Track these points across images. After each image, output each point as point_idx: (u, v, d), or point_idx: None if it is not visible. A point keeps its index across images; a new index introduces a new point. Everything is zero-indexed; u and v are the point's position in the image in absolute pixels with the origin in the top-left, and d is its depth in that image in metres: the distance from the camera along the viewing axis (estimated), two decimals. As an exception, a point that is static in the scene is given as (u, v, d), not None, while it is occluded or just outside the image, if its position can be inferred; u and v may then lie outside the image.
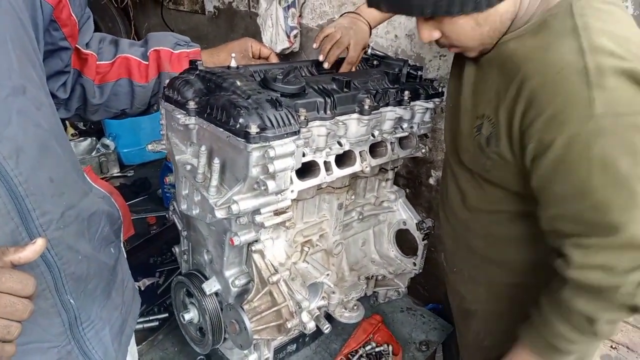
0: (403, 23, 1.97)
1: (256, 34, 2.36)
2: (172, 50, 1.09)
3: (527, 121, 0.78)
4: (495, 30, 0.83)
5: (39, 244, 0.59)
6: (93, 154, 2.53)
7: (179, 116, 0.93)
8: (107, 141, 2.57)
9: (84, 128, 2.90)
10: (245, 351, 1.14)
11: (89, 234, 0.83)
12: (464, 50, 0.89)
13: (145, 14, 3.39)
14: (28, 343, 0.70)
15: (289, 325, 0.96)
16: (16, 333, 0.56)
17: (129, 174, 2.60)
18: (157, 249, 1.82)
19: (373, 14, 1.24)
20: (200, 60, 1.00)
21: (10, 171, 0.64)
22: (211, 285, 1.07)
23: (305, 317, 0.97)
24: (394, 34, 2.00)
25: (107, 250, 0.91)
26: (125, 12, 3.33)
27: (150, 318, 1.47)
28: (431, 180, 2.24)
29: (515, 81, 0.79)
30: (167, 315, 1.48)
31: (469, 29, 0.81)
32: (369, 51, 1.27)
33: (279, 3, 2.13)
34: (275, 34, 2.15)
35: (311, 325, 0.98)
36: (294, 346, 1.34)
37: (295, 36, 2.19)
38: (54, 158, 0.74)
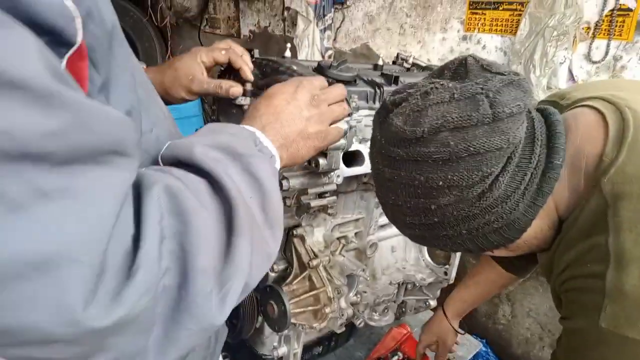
0: (436, 48, 2.04)
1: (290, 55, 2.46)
2: None
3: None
4: (532, 247, 0.74)
5: None
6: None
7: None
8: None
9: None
10: (275, 343, 1.13)
11: None
12: None
13: (182, 36, 3.55)
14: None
15: (327, 310, 0.95)
16: None
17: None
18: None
19: (456, 306, 1.27)
20: (255, 50, 1.05)
21: None
22: (248, 271, 1.07)
23: (343, 303, 0.97)
24: (427, 57, 2.07)
25: None
26: (162, 32, 3.49)
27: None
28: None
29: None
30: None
31: (498, 253, 0.77)
32: (410, 60, 1.32)
33: (317, 25, 2.23)
34: (311, 53, 2.23)
35: (349, 312, 0.97)
36: (320, 349, 1.31)
37: (329, 57, 2.28)
38: None
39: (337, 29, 2.37)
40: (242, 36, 3.08)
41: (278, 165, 0.60)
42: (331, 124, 0.73)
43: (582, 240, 0.63)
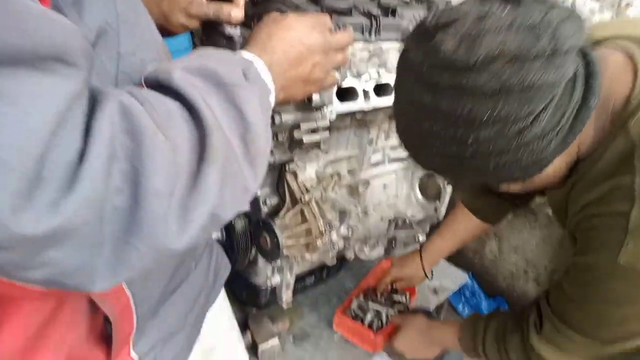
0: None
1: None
2: None
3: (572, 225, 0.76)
4: (545, 183, 0.75)
5: None
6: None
7: (224, 27, 0.93)
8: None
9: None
10: (269, 273, 1.17)
11: None
12: None
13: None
14: None
15: (318, 242, 0.98)
16: None
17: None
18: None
19: (432, 256, 1.30)
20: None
21: None
22: (241, 205, 1.09)
23: (334, 236, 1.00)
24: (428, -11, 1.98)
25: None
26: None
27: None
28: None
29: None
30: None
31: (513, 188, 0.77)
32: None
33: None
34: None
35: (340, 245, 1.00)
36: (312, 279, 1.37)
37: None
38: None
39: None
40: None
41: (272, 102, 0.59)
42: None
43: (604, 180, 0.65)
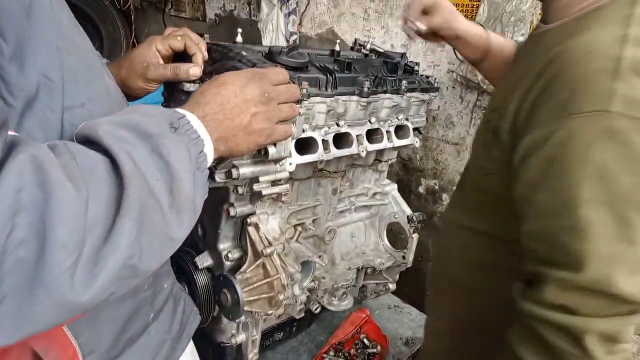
0: (399, 34, 2.04)
1: (256, 40, 2.42)
2: None
3: (534, 108, 0.66)
4: None
5: None
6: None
7: (184, 84, 0.95)
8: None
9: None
10: (234, 331, 1.13)
11: None
12: None
13: (147, 19, 3.45)
14: None
15: (280, 297, 0.96)
16: None
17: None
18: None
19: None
20: (206, 35, 1.03)
21: None
22: (203, 260, 1.07)
23: (297, 290, 0.97)
24: (390, 44, 2.07)
25: None
26: (126, 16, 3.38)
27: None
28: (421, 189, 2.27)
29: (539, 66, 0.67)
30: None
31: None
32: (368, 46, 1.32)
33: (281, 9, 2.19)
34: (276, 39, 2.21)
35: (303, 299, 0.98)
36: (281, 335, 1.32)
37: (295, 41, 2.25)
38: None
39: (303, 13, 2.34)
40: (207, 20, 3.01)
41: (210, 154, 0.60)
42: (280, 122, 0.73)
43: None
